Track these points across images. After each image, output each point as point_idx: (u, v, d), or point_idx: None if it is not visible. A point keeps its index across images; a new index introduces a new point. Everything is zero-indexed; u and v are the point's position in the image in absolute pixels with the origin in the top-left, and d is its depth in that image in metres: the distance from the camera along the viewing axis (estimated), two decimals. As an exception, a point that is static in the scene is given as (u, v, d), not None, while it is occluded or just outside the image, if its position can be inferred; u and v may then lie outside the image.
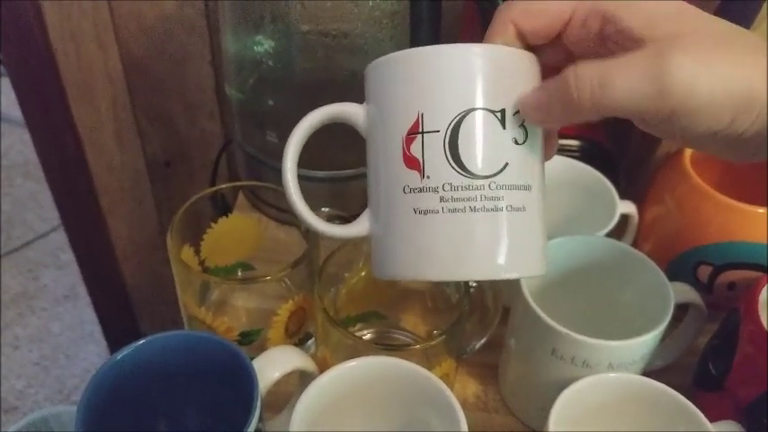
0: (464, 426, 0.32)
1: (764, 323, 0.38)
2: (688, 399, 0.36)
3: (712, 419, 0.36)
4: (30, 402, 1.28)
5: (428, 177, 0.29)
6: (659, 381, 0.38)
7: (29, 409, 1.27)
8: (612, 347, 0.38)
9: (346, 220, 0.47)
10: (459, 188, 0.29)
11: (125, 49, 0.78)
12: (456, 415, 0.32)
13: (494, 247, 0.29)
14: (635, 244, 0.52)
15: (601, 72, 0.26)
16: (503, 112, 0.29)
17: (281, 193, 0.49)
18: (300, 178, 0.56)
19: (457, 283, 0.42)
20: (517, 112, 0.29)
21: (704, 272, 0.48)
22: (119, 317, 0.96)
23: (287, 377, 0.36)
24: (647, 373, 0.42)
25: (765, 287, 0.40)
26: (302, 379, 0.38)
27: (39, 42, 0.75)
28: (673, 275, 0.45)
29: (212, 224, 0.45)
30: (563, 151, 0.56)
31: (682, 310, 0.45)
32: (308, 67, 0.56)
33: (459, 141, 0.29)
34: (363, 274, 0.45)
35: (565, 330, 0.38)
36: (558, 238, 0.43)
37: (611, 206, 0.49)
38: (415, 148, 0.29)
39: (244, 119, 0.59)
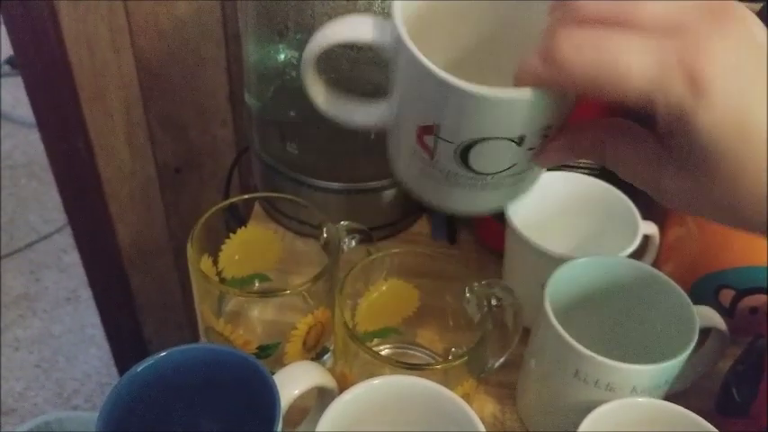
0: (489, 449, 0.32)
1: (792, 351, 0.37)
2: (714, 423, 0.36)
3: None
4: (29, 405, 1.27)
5: (437, 161, 0.30)
6: (679, 404, 0.37)
7: (27, 412, 1.26)
8: (638, 371, 0.37)
9: (366, 233, 0.47)
10: (465, 177, 0.31)
11: (140, 54, 0.78)
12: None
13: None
14: (655, 265, 0.51)
15: None
16: (522, 137, 0.29)
17: (299, 204, 0.49)
18: (319, 190, 0.56)
19: (479, 302, 0.42)
20: (540, 133, 0.29)
21: (727, 296, 0.47)
22: (123, 321, 0.96)
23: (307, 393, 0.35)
24: (666, 396, 0.42)
25: (792, 314, 0.40)
26: (321, 395, 0.37)
27: (53, 44, 0.75)
28: (695, 298, 0.44)
29: (231, 234, 0.44)
30: (583, 169, 0.56)
31: (704, 333, 0.44)
32: (331, 78, 0.55)
33: (471, 154, 0.29)
34: (384, 288, 0.44)
35: (589, 353, 0.37)
36: (580, 258, 0.42)
37: (633, 226, 0.48)
38: (428, 139, 0.30)
39: (262, 128, 0.59)
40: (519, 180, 0.32)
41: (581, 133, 0.30)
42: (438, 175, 0.31)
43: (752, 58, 0.24)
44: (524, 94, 0.26)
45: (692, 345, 0.38)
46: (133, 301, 0.93)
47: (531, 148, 0.29)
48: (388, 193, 0.57)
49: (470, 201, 0.32)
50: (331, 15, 0.51)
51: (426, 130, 0.29)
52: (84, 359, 1.34)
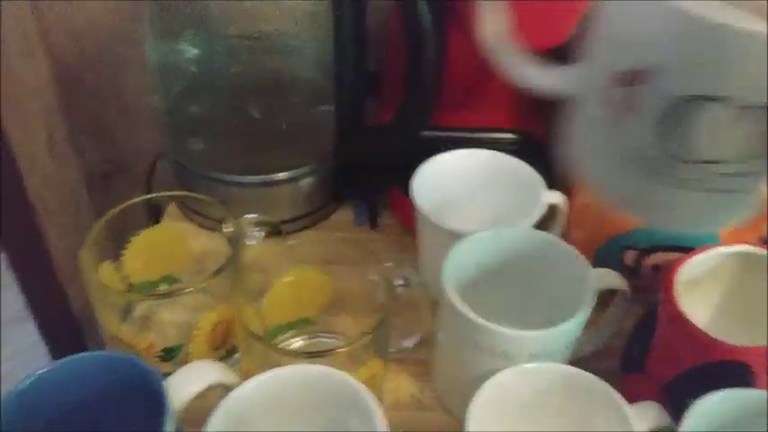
0: (381, 426, 0.32)
1: (679, 304, 0.39)
2: (616, 382, 0.37)
3: (637, 401, 0.37)
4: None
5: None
6: (589, 366, 0.38)
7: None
8: (531, 337, 0.38)
9: (274, 226, 0.47)
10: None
11: (56, 57, 0.76)
12: (373, 417, 0.32)
13: None
14: (566, 233, 0.52)
15: None
16: None
17: (208, 202, 0.49)
18: (234, 185, 0.56)
19: (386, 283, 0.42)
20: None
21: (630, 256, 0.48)
22: (64, 333, 0.94)
23: (214, 392, 0.35)
24: (577, 359, 0.43)
25: (681, 268, 0.41)
26: (225, 393, 0.37)
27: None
28: (602, 262, 0.45)
29: (132, 237, 0.44)
30: (497, 144, 0.57)
31: (611, 295, 0.45)
32: (233, 71, 0.55)
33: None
34: (292, 279, 0.44)
35: (483, 322, 0.38)
36: (478, 232, 0.43)
37: (538, 197, 0.49)
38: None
39: (171, 128, 0.58)
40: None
41: None
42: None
43: None
44: None
45: (586, 308, 0.39)
46: (71, 311, 0.92)
47: None
48: (305, 182, 0.57)
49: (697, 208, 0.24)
50: (227, 10, 0.50)
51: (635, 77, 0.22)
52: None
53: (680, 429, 0.35)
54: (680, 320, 0.38)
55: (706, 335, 0.38)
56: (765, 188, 0.26)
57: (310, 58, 0.52)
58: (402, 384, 0.46)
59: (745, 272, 0.45)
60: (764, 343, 0.38)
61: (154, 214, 0.55)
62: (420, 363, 0.47)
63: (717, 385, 0.37)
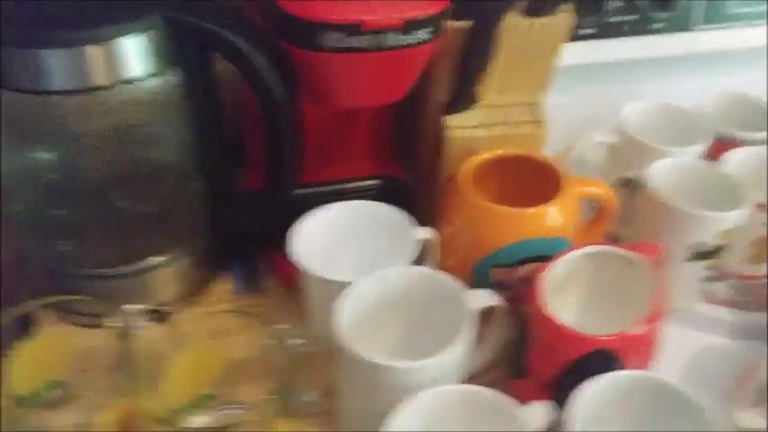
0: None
1: (545, 308, 0.43)
2: (508, 389, 0.40)
3: (525, 403, 0.40)
4: None
5: None
6: (484, 379, 0.42)
7: None
8: (423, 366, 0.40)
9: (156, 310, 0.47)
10: None
11: None
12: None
13: None
14: (441, 263, 0.56)
15: None
16: None
17: (86, 300, 0.48)
18: (109, 278, 0.55)
19: (281, 343, 0.44)
20: None
21: (499, 273, 0.53)
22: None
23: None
24: (474, 374, 0.46)
25: (542, 276, 0.46)
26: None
27: None
28: (476, 283, 0.50)
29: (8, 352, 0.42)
30: (365, 191, 0.60)
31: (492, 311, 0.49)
32: (94, 167, 0.54)
33: None
34: (182, 359, 0.45)
35: (379, 361, 0.40)
36: (361, 277, 0.46)
37: (409, 235, 0.52)
38: None
39: (35, 232, 0.56)
40: None
41: None
42: None
43: None
44: None
45: (463, 327, 0.43)
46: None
47: None
48: (183, 262, 0.57)
49: None
50: (72, 112, 0.50)
51: None
52: None
53: (563, 420, 0.38)
54: (548, 323, 0.43)
55: (572, 331, 0.43)
56: None
57: (172, 141, 0.53)
58: (313, 436, 0.48)
59: (599, 269, 0.51)
60: (625, 329, 0.43)
61: (24, 324, 0.52)
62: (327, 413, 0.49)
63: (590, 375, 0.41)
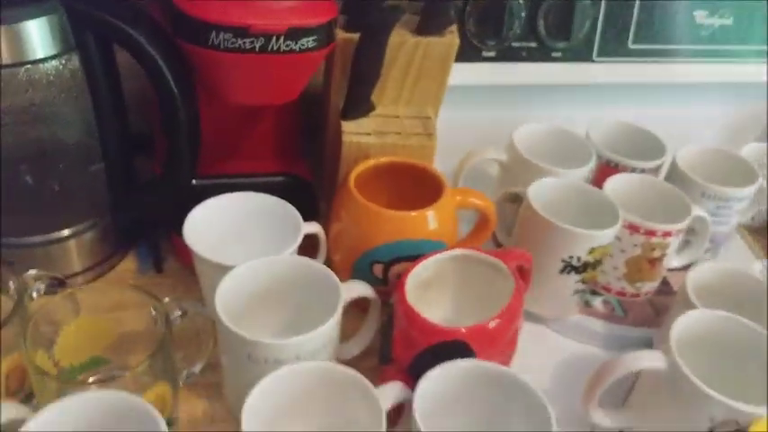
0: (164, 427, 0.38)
1: (408, 300, 0.49)
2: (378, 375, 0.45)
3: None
4: None
5: None
6: (357, 365, 0.46)
7: None
8: (293, 343, 0.46)
9: (57, 279, 0.51)
10: None
11: None
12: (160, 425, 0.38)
13: None
14: (327, 256, 0.62)
15: None
16: None
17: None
18: (18, 247, 0.58)
19: (162, 315, 0.48)
20: None
21: (378, 269, 0.59)
22: None
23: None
24: (345, 360, 0.52)
25: (411, 272, 0.52)
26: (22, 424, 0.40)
27: None
28: (357, 276, 0.55)
29: None
30: (260, 188, 0.64)
31: (367, 302, 0.55)
32: (2, 143, 0.56)
33: None
34: (76, 326, 0.49)
35: (252, 337, 0.45)
36: (244, 263, 0.51)
37: (299, 229, 0.57)
38: None
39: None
40: None
41: None
42: None
43: None
44: None
45: (336, 313, 0.48)
46: None
47: None
48: (88, 236, 0.61)
49: None
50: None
51: None
52: None
53: (414, 398, 0.44)
54: (410, 313, 0.49)
55: (430, 323, 0.49)
56: None
57: (74, 122, 0.56)
58: (196, 404, 0.52)
59: (466, 271, 0.57)
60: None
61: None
62: (211, 385, 0.54)
63: (441, 362, 0.47)
